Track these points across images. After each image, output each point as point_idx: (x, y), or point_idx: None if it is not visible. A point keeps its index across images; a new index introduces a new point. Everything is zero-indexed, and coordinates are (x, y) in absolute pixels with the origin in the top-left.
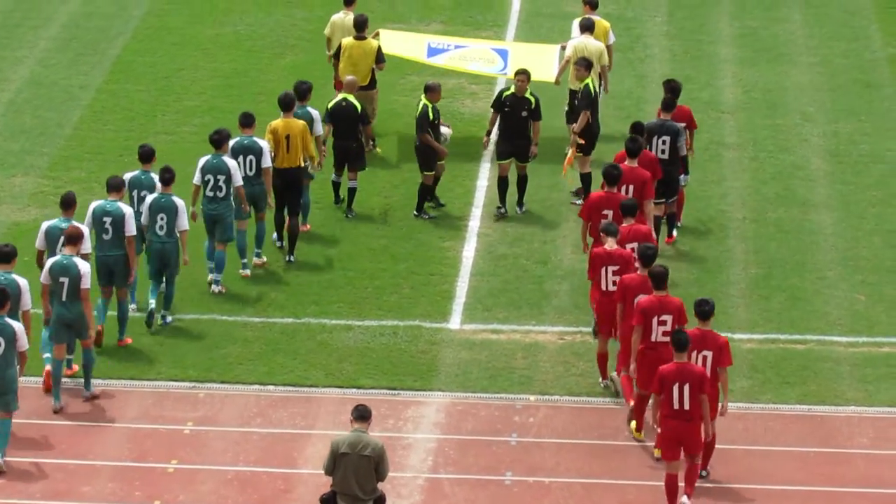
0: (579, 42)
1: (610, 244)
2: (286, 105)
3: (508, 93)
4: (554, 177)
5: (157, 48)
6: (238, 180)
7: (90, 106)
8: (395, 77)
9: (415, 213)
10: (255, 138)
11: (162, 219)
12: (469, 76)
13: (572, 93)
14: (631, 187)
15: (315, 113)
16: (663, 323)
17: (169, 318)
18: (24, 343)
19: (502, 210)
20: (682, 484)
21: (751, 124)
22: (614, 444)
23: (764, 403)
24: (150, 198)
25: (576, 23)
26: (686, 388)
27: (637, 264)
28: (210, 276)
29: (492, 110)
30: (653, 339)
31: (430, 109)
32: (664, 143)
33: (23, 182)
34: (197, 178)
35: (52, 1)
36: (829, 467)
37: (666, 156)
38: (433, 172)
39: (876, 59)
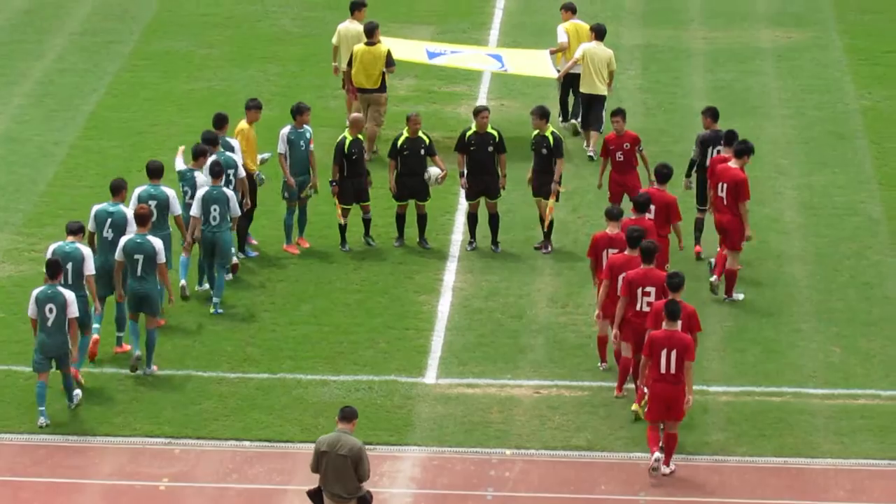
0: (589, 48)
1: (612, 228)
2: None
3: (471, 132)
4: (529, 231)
5: (131, 104)
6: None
7: (64, 162)
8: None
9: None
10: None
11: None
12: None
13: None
14: (653, 208)
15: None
16: (647, 294)
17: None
18: (74, 310)
19: (473, 245)
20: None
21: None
22: (590, 498)
23: (740, 456)
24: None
25: (560, 28)
26: (673, 353)
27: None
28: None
29: (457, 153)
30: (637, 308)
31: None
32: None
33: None
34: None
35: (26, 57)
36: None
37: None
38: (404, 203)
39: (849, 111)
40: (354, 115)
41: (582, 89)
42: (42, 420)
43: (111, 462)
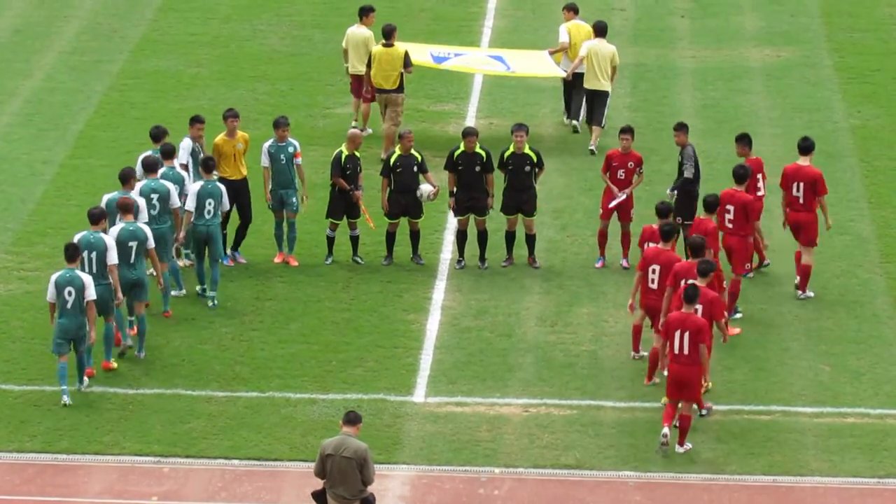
0: (594, 44)
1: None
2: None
3: (459, 151)
4: (518, 249)
5: (120, 123)
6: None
7: (53, 181)
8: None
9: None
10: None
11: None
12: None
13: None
14: (732, 209)
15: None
16: (653, 272)
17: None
18: (91, 293)
19: (462, 263)
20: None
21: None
22: None
23: (729, 474)
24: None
25: (563, 28)
26: (686, 335)
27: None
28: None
29: (447, 172)
30: (649, 285)
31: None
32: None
33: None
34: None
35: (15, 76)
36: None
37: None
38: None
39: (838, 129)
40: (352, 131)
41: (586, 85)
42: (65, 399)
43: (100, 480)
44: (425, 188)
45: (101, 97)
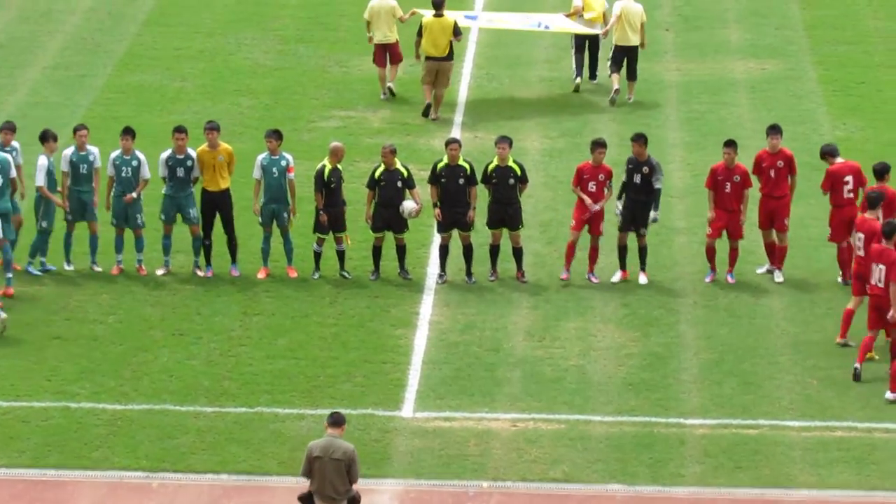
0: (625, 4)
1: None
2: None
3: (442, 164)
4: (505, 262)
5: (105, 137)
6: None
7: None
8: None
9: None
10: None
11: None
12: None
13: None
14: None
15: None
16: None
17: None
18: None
19: (444, 278)
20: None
21: (700, 208)
22: None
23: (717, 488)
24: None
25: None
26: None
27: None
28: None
29: (429, 185)
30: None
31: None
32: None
33: None
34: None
35: (0, 91)
36: None
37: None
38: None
39: (824, 141)
40: (334, 144)
41: (618, 42)
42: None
43: (89, 496)
44: (408, 205)
45: (85, 111)
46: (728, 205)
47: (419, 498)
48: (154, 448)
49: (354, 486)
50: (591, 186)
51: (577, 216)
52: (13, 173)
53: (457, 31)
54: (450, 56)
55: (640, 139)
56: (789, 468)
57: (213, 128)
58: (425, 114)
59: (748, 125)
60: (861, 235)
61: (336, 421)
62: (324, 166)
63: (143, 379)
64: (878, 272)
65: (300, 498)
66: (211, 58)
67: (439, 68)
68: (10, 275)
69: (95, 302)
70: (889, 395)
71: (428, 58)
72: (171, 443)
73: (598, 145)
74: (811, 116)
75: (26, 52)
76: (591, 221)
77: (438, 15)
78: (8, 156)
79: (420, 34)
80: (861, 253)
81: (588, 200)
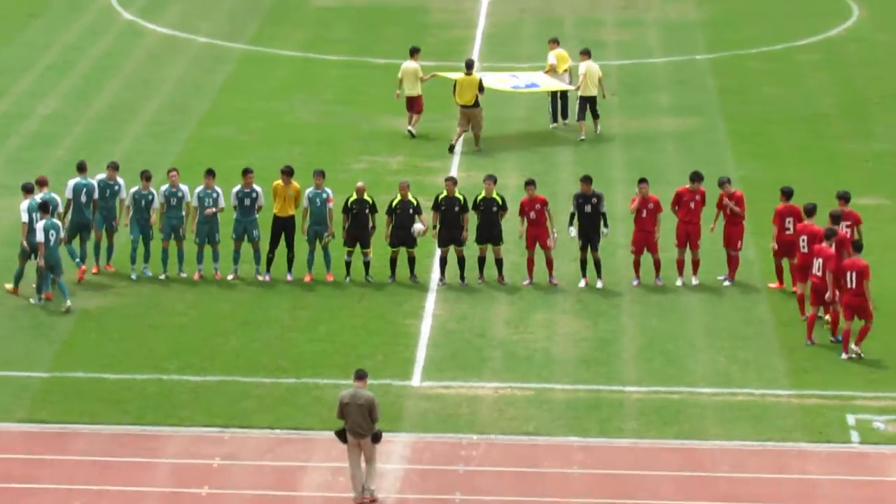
0: (588, 64)
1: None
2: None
3: (443, 196)
4: (490, 269)
5: (190, 177)
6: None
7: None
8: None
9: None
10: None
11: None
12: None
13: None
14: None
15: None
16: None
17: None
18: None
19: (443, 281)
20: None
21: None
22: (536, 472)
23: (650, 439)
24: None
25: (551, 54)
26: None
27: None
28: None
29: (433, 211)
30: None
31: (349, 200)
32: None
33: None
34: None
35: (109, 143)
36: (699, 488)
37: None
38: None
39: (731, 179)
40: (359, 184)
41: (581, 94)
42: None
43: (176, 445)
44: (417, 227)
45: (175, 157)
46: (646, 227)
47: (425, 447)
48: (225, 409)
49: (376, 426)
50: (532, 215)
51: (528, 239)
52: (96, 195)
53: (481, 87)
54: (476, 104)
55: (587, 179)
56: (703, 424)
57: (287, 171)
58: (450, 150)
59: (675, 166)
60: (805, 237)
61: (360, 375)
62: (349, 197)
63: (217, 357)
64: (817, 264)
65: (337, 433)
66: (270, 116)
67: (469, 114)
68: (77, 260)
69: (182, 299)
70: (843, 355)
71: (462, 106)
72: (238, 405)
73: (527, 183)
74: (721, 159)
75: (129, 111)
76: (538, 239)
77: (468, 74)
78: (94, 182)
79: (454, 89)
80: (805, 250)
81: (523, 228)
